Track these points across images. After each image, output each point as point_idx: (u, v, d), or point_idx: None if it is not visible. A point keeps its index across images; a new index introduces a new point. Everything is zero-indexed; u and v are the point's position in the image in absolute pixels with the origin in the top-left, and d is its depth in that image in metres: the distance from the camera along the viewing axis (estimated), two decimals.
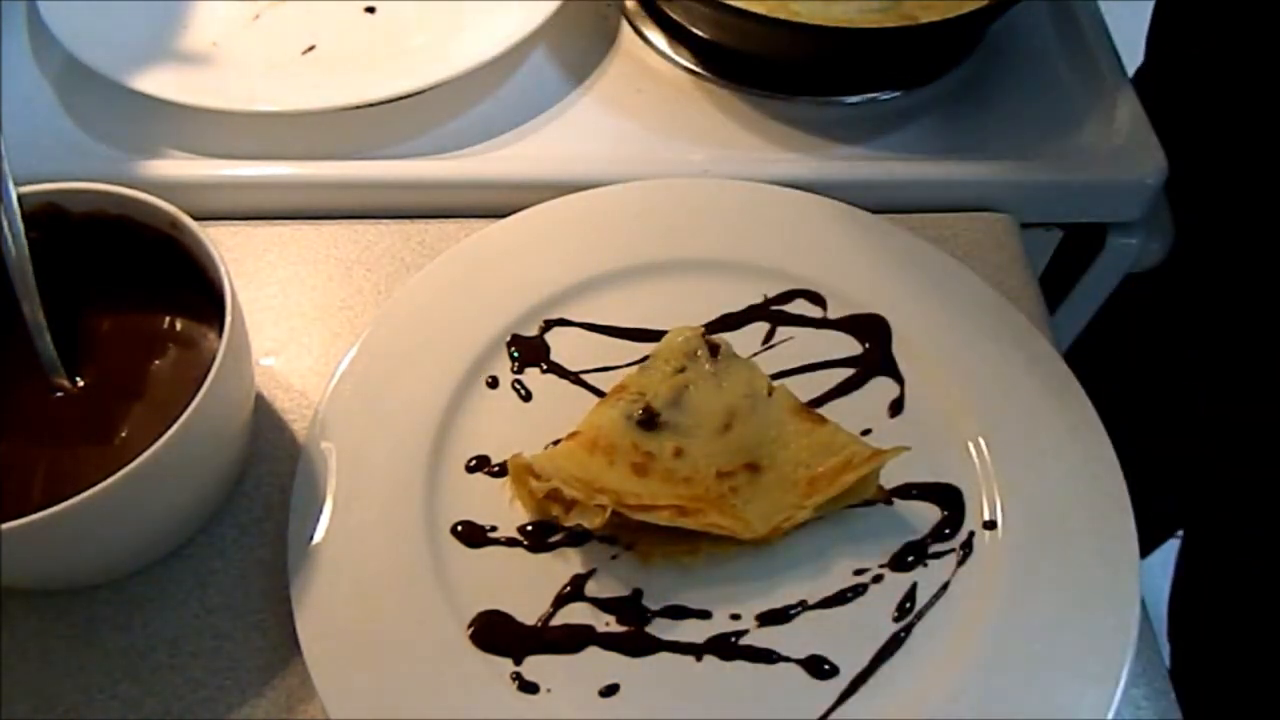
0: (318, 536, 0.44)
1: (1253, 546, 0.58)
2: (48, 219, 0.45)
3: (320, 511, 0.45)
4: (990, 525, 0.46)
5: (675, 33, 0.63)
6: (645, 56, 0.63)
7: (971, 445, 0.48)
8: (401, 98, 0.56)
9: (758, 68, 0.61)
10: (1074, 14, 0.67)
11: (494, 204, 0.56)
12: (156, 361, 0.47)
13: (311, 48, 0.61)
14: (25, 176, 0.44)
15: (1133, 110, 0.61)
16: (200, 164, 0.56)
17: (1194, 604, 0.62)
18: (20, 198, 0.44)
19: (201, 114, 0.55)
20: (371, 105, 0.56)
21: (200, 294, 0.44)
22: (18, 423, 0.44)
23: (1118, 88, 0.62)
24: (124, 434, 0.44)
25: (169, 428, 0.38)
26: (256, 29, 0.61)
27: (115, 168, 0.55)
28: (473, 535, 0.45)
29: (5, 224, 0.43)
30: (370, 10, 0.64)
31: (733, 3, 0.58)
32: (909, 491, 0.47)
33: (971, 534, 0.46)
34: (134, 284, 0.47)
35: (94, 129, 0.57)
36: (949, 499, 0.47)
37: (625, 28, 0.65)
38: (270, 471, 0.48)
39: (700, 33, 0.61)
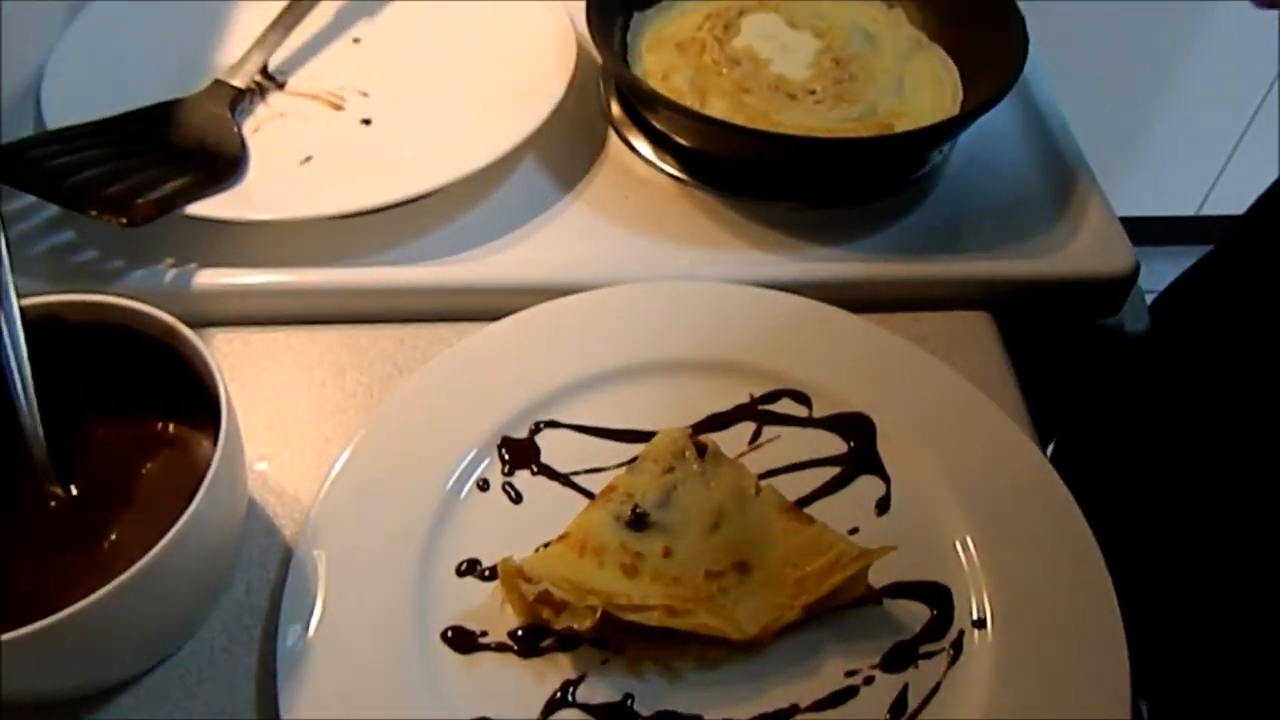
0: (307, 645, 0.44)
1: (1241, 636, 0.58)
2: (48, 328, 0.46)
3: (310, 619, 0.45)
4: (980, 624, 0.46)
5: (660, 141, 0.65)
6: (631, 164, 0.66)
7: (959, 544, 0.48)
8: (395, 205, 0.58)
9: (739, 174, 0.63)
10: (1040, 116, 0.70)
11: (486, 307, 0.57)
12: (148, 465, 0.47)
13: (309, 158, 0.63)
14: (27, 287, 0.45)
15: (1101, 208, 0.63)
16: (199, 273, 0.57)
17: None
18: (22, 309, 0.45)
19: (201, 224, 0.56)
20: (366, 213, 0.58)
21: (195, 398, 0.45)
22: (8, 530, 0.45)
23: (1086, 186, 0.64)
24: (112, 538, 0.44)
25: (161, 538, 0.38)
26: (256, 141, 0.63)
27: (116, 276, 0.57)
28: (463, 641, 0.45)
29: (7, 336, 0.43)
30: (366, 122, 0.66)
31: (715, 115, 0.61)
32: (898, 590, 0.47)
33: (961, 633, 0.46)
34: (131, 389, 0.47)
35: (95, 238, 0.59)
36: (938, 598, 0.47)
37: (612, 136, 0.67)
38: (260, 578, 0.48)
39: (684, 141, 0.63)
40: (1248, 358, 0.60)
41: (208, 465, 0.41)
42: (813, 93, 0.65)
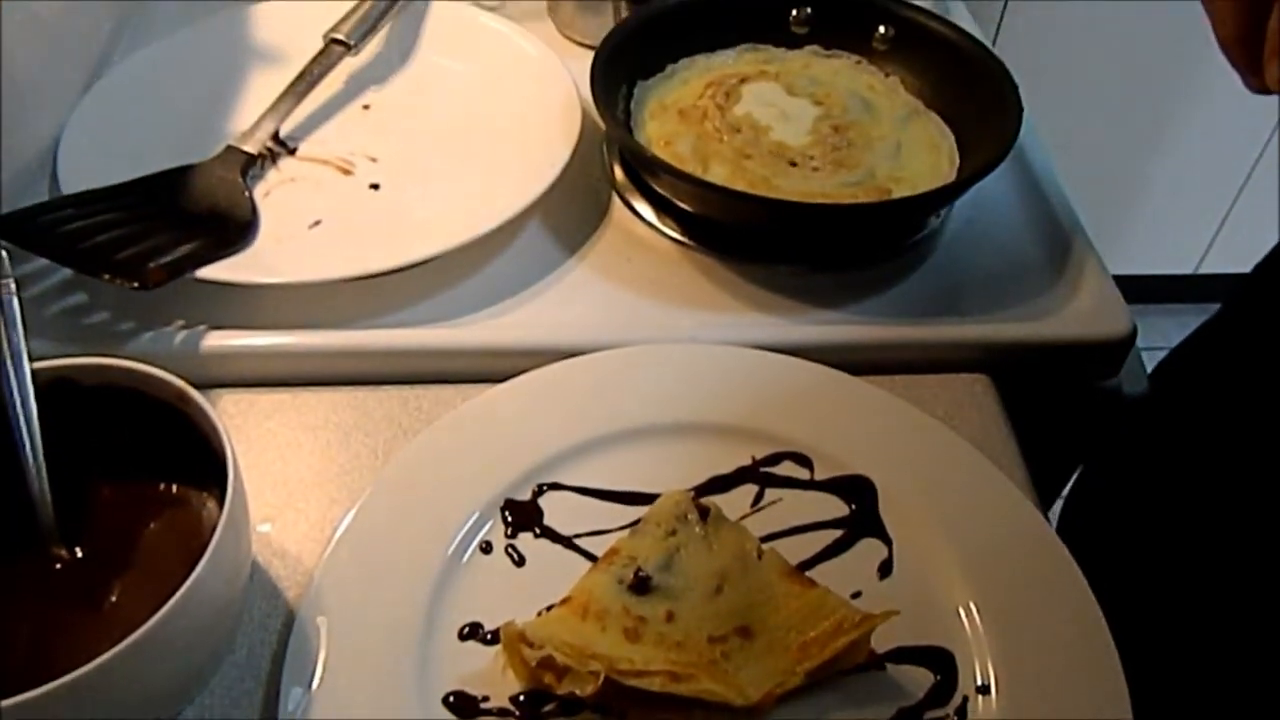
0: (308, 710, 0.44)
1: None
2: (58, 390, 0.46)
3: (311, 683, 0.45)
4: (984, 690, 0.46)
5: (662, 205, 0.66)
6: (634, 227, 0.67)
7: (961, 609, 0.48)
8: (402, 269, 0.59)
9: (741, 238, 0.64)
10: (1035, 180, 0.71)
11: (490, 370, 0.58)
12: (151, 525, 0.47)
13: (318, 222, 0.64)
14: (39, 348, 0.46)
15: (1097, 271, 0.64)
16: (208, 335, 0.58)
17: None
18: (34, 373, 0.45)
19: (211, 286, 0.57)
20: (374, 276, 0.59)
21: (201, 459, 0.45)
22: (14, 589, 0.45)
23: (1082, 250, 0.65)
24: (113, 599, 0.44)
25: (164, 600, 0.38)
26: (267, 205, 0.64)
27: (127, 338, 0.58)
28: (465, 706, 0.45)
29: (18, 401, 0.44)
30: (375, 187, 0.67)
31: (716, 181, 0.62)
32: (901, 655, 0.47)
33: (965, 699, 0.45)
34: (137, 450, 0.48)
35: (106, 300, 0.60)
36: (941, 663, 0.47)
37: (616, 201, 0.69)
38: (262, 640, 0.48)
39: (685, 206, 0.65)
40: (1252, 422, 0.60)
41: (213, 529, 0.41)
42: (812, 159, 0.66)
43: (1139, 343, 0.63)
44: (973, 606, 0.48)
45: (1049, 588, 0.49)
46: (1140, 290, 0.63)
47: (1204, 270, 1.94)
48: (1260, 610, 0.56)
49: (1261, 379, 0.60)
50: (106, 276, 0.55)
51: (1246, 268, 0.67)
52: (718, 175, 0.64)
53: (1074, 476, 0.73)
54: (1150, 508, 0.66)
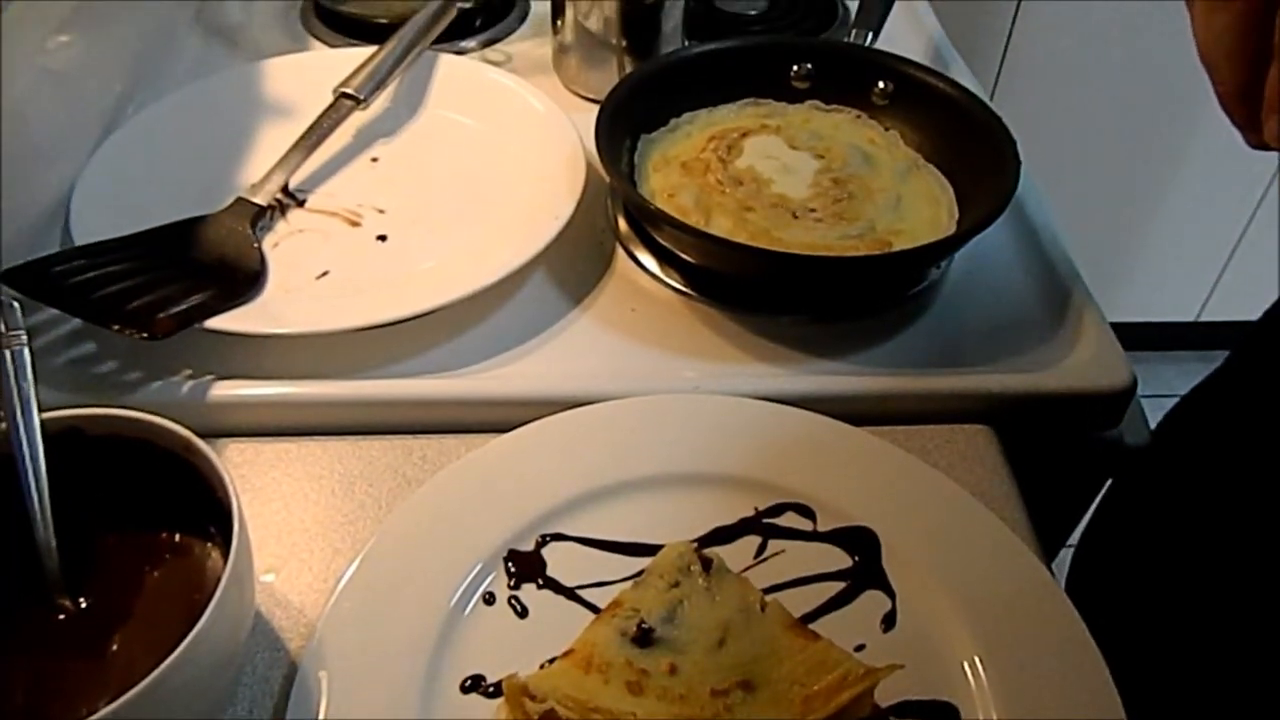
0: None
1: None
2: (65, 439, 0.47)
3: None
4: None
5: (665, 257, 0.67)
6: (638, 278, 0.68)
7: (966, 664, 0.48)
8: (408, 320, 0.60)
9: (743, 289, 0.65)
10: (1034, 230, 0.71)
11: (494, 420, 0.58)
12: (154, 574, 0.47)
13: (325, 273, 0.65)
14: (47, 397, 0.46)
15: (1097, 323, 0.64)
16: (214, 385, 0.58)
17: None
18: (42, 422, 0.46)
19: (219, 337, 0.58)
20: (380, 327, 0.59)
21: (206, 509, 0.45)
22: (16, 638, 0.45)
23: (1081, 301, 0.66)
24: (114, 649, 0.44)
25: (165, 650, 0.38)
26: (275, 256, 0.65)
27: (134, 388, 0.58)
28: None
29: (27, 452, 0.44)
30: (382, 238, 0.68)
31: (719, 233, 0.63)
32: (905, 709, 0.47)
33: None
34: (144, 499, 0.48)
35: (115, 350, 0.60)
36: (945, 717, 0.46)
37: (619, 252, 0.69)
38: (264, 693, 0.47)
39: (688, 258, 0.65)
40: (1260, 474, 0.60)
41: (217, 580, 0.41)
42: (813, 211, 0.67)
43: (1140, 390, 0.63)
44: (977, 660, 0.48)
45: (1053, 641, 0.48)
46: (1142, 338, 0.64)
47: (1205, 318, 1.95)
48: (1269, 664, 0.56)
49: (1269, 429, 0.60)
50: (116, 327, 0.56)
51: (1248, 315, 0.67)
52: (720, 227, 0.65)
53: (1081, 529, 0.73)
54: (1156, 559, 0.66)
